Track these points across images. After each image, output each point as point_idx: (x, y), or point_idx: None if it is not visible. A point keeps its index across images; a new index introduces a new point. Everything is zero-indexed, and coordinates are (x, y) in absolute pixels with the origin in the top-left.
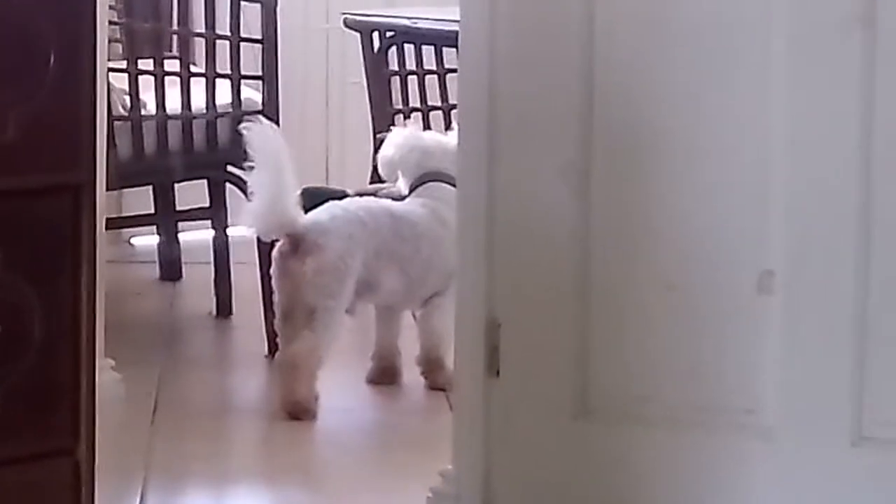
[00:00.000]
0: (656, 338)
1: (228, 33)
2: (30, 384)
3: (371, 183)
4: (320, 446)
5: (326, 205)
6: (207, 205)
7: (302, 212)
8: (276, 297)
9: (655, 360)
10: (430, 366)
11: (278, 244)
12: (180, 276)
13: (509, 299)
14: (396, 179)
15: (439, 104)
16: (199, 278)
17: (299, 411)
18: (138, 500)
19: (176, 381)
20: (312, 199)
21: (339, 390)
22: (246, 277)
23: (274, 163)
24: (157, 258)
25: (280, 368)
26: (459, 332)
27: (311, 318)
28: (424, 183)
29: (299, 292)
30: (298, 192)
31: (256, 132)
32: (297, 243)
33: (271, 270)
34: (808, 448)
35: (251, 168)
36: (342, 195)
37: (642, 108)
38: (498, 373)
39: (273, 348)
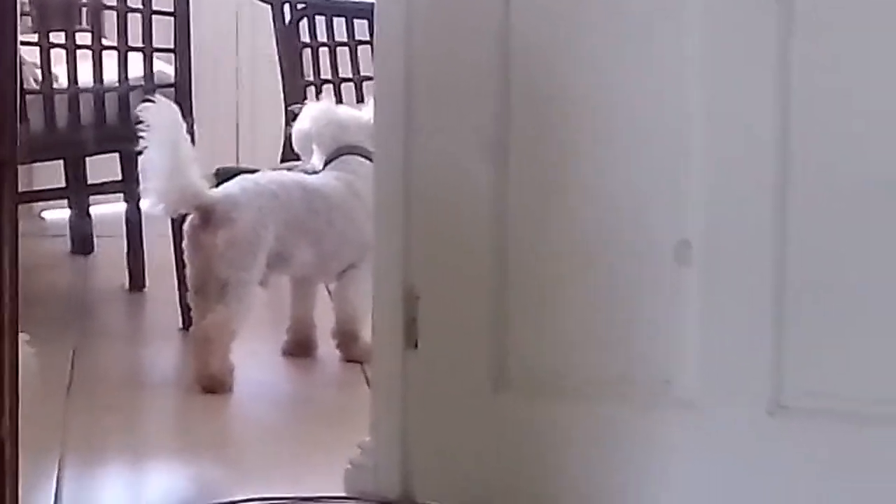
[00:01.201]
0: (574, 309)
1: (140, 6)
2: None
3: (283, 157)
4: (236, 419)
5: (237, 178)
6: (119, 178)
7: (207, 185)
8: (188, 271)
9: (573, 331)
10: (346, 338)
11: (189, 218)
12: (92, 250)
13: (427, 271)
14: (310, 154)
15: (351, 76)
16: (111, 252)
17: (215, 384)
18: (55, 474)
19: (90, 355)
20: (226, 177)
21: (255, 363)
22: (159, 251)
23: (169, 138)
24: (68, 232)
25: (194, 342)
26: (377, 305)
27: (224, 291)
28: (340, 157)
29: (211, 265)
30: (210, 171)
31: (151, 111)
32: (209, 216)
33: (184, 244)
34: (727, 418)
35: (145, 147)
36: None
37: (559, 80)
38: (416, 345)
39: (187, 322)
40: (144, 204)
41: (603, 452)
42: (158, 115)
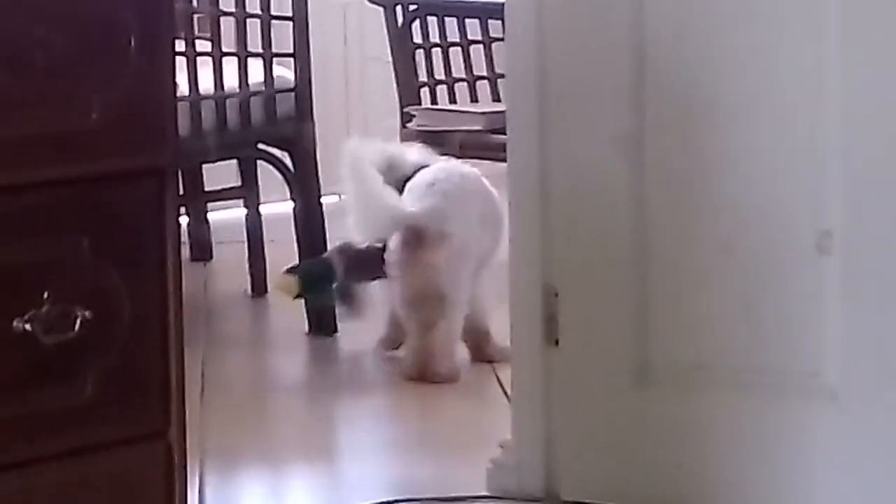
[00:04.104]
0: (715, 302)
1: (259, 11)
2: (120, 368)
3: None
4: (370, 421)
5: (422, 180)
6: (238, 184)
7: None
8: (400, 288)
9: (715, 324)
10: (477, 337)
11: (398, 237)
12: (211, 257)
13: (565, 268)
14: None
15: (464, 76)
16: (230, 258)
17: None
18: (197, 478)
19: (219, 362)
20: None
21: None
22: (279, 255)
23: (356, 172)
24: (187, 239)
25: (416, 357)
26: (515, 303)
27: (444, 305)
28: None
29: (431, 282)
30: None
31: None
32: (422, 234)
33: (392, 262)
34: (873, 409)
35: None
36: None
37: (694, 73)
38: (557, 342)
39: (312, 326)
40: (355, 235)
41: (747, 445)
42: (350, 156)
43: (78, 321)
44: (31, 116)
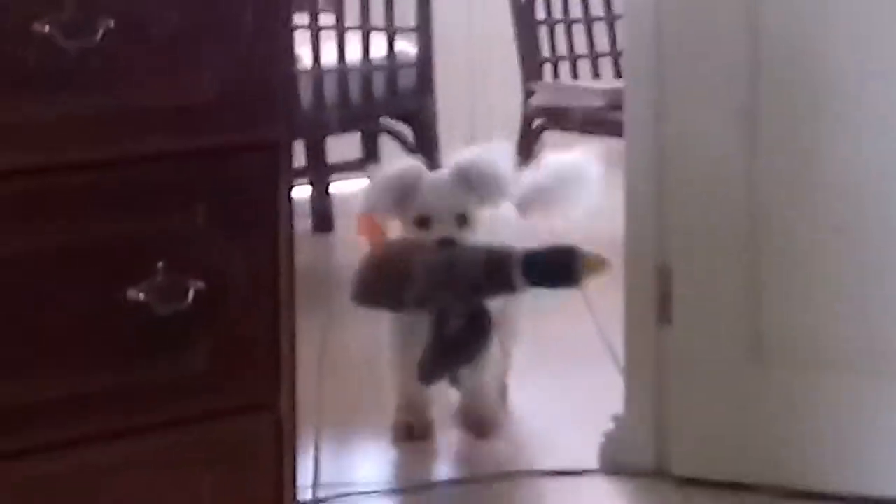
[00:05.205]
0: (828, 279)
1: None
2: (232, 339)
3: (521, 134)
4: None
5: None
6: (361, 156)
7: None
8: None
9: (828, 301)
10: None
11: None
12: (332, 228)
13: (680, 246)
14: None
15: (586, 52)
16: (351, 230)
17: None
18: (312, 448)
19: (339, 332)
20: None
21: None
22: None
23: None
24: (309, 210)
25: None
26: (630, 281)
27: None
28: None
29: None
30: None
31: None
32: None
33: None
34: None
35: None
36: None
37: (810, 50)
38: (670, 320)
39: None
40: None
41: (858, 424)
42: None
43: (191, 292)
44: (148, 89)
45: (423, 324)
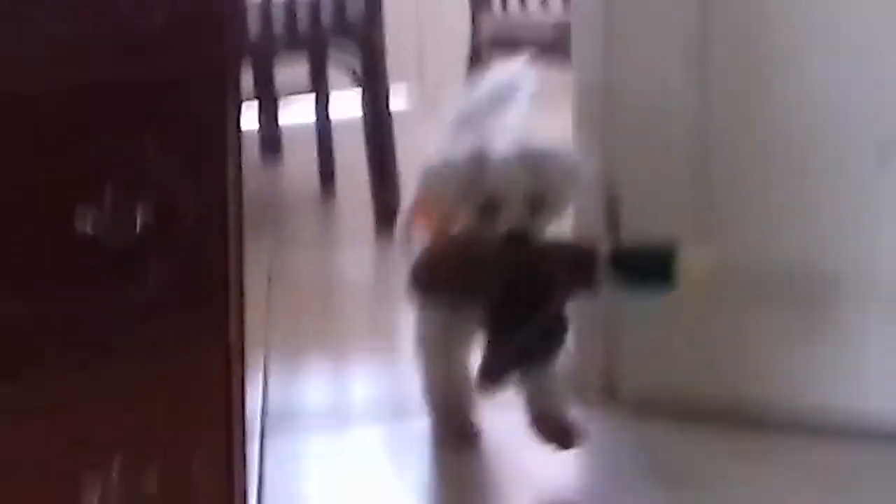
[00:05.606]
0: (775, 215)
1: None
2: (182, 270)
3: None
4: None
5: None
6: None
7: None
8: None
9: (774, 241)
10: None
11: None
12: (279, 151)
13: (628, 177)
14: None
15: None
16: (300, 159)
17: None
18: (260, 373)
19: (287, 260)
20: None
21: None
22: (346, 158)
23: None
24: (258, 138)
25: None
26: (583, 207)
27: None
28: None
29: None
30: None
31: None
32: None
33: None
34: None
35: None
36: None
37: None
38: None
39: (379, 225)
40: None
41: (798, 351)
42: None
43: (140, 222)
44: (97, 18)
45: (467, 320)
